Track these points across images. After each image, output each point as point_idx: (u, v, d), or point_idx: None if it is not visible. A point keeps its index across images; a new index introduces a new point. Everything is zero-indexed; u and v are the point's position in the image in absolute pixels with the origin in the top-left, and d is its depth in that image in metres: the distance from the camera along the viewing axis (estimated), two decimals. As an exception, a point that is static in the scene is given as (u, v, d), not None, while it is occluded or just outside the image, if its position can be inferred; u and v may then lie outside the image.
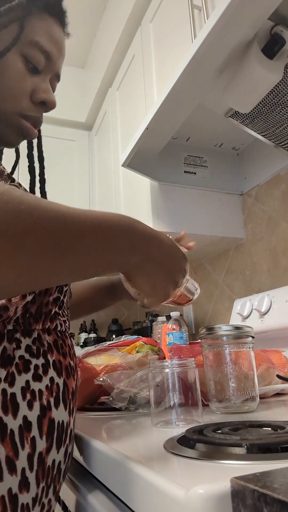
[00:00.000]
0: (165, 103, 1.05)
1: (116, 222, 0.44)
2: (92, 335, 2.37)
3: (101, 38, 2.13)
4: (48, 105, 0.62)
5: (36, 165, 0.75)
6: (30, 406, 0.48)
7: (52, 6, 0.61)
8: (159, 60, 1.50)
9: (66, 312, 0.60)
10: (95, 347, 1.10)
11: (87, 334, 2.42)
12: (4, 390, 0.47)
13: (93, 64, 2.27)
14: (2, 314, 0.50)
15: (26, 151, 0.75)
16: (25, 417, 0.48)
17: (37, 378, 0.50)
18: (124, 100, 1.89)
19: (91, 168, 2.33)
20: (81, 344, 2.23)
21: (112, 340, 1.10)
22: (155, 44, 1.54)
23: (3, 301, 0.50)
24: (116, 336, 2.06)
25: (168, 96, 1.01)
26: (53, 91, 0.65)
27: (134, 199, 1.63)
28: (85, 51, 2.34)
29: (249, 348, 0.70)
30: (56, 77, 0.65)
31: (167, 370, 0.59)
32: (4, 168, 0.55)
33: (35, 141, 0.73)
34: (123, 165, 1.32)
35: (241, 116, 1.03)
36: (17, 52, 0.57)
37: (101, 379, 0.76)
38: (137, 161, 1.32)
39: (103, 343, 1.13)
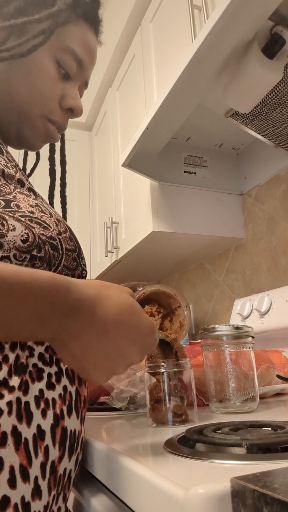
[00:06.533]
0: (165, 103, 1.04)
1: (41, 285, 0.38)
2: (92, 335, 2.37)
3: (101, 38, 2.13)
4: (75, 112, 0.63)
5: (57, 168, 0.75)
6: (44, 414, 0.48)
7: (90, 14, 0.61)
8: (159, 60, 1.50)
9: None
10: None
11: (87, 334, 2.42)
12: (18, 399, 0.47)
13: (93, 64, 2.27)
14: None
15: (48, 154, 0.75)
16: (39, 426, 0.47)
17: (50, 386, 0.50)
18: (124, 100, 1.89)
19: (91, 168, 2.33)
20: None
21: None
22: (155, 44, 1.54)
23: None
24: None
25: (168, 96, 1.01)
26: (81, 97, 0.66)
27: (134, 199, 1.63)
28: (85, 51, 2.34)
29: (249, 348, 0.70)
30: (85, 85, 0.65)
31: (162, 371, 0.59)
32: (16, 172, 0.55)
33: (57, 144, 0.73)
34: (123, 165, 1.32)
35: (241, 116, 1.03)
36: (51, 56, 0.58)
37: (101, 379, 0.76)
38: (137, 161, 1.32)
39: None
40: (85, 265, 0.58)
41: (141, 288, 0.69)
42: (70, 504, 0.60)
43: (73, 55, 0.59)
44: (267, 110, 0.99)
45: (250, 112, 1.00)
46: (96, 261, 2.09)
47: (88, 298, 0.41)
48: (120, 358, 0.42)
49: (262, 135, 1.10)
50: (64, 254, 0.53)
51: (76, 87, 0.63)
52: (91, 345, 0.40)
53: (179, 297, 0.68)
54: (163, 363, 0.59)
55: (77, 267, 0.56)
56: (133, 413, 0.74)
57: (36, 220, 0.50)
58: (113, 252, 1.80)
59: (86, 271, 0.58)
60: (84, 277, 0.58)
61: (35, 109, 0.59)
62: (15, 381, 0.47)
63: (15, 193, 0.52)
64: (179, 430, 0.49)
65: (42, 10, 0.56)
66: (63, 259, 0.53)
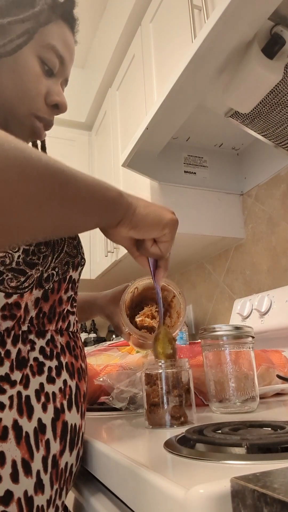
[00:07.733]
0: (165, 103, 1.04)
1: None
2: (92, 335, 2.37)
3: (101, 38, 2.13)
4: (60, 107, 0.64)
5: None
6: (44, 408, 0.49)
7: (67, 13, 0.63)
8: (159, 60, 1.50)
9: (76, 311, 0.61)
10: (95, 347, 1.10)
11: (87, 334, 2.42)
12: (19, 393, 0.47)
13: (93, 64, 2.27)
14: (15, 313, 0.50)
15: None
16: (39, 420, 0.48)
17: (50, 380, 0.50)
18: (124, 100, 1.89)
19: (91, 168, 2.33)
20: (81, 344, 2.23)
21: (112, 340, 1.10)
22: (155, 44, 1.54)
23: (15, 297, 0.50)
24: (116, 336, 2.06)
25: (168, 96, 1.01)
26: None
27: (134, 199, 1.63)
28: (84, 51, 2.34)
29: (249, 348, 0.70)
30: (65, 82, 0.67)
31: (160, 371, 0.59)
32: None
33: (38, 143, 0.74)
34: (123, 165, 1.32)
35: (241, 116, 1.03)
36: (34, 54, 0.59)
37: (101, 379, 0.76)
38: (137, 161, 1.32)
39: (103, 343, 1.13)
40: (83, 254, 0.60)
41: (132, 283, 0.68)
42: (70, 504, 0.60)
43: (55, 52, 0.60)
44: (267, 110, 0.99)
45: (250, 112, 1.00)
46: (96, 261, 2.09)
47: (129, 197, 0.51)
48: (161, 216, 0.53)
49: (262, 135, 1.10)
50: (66, 241, 0.56)
51: (59, 84, 0.64)
52: (144, 214, 0.51)
53: (172, 286, 0.68)
54: (160, 364, 0.59)
55: (77, 255, 0.58)
56: (133, 413, 0.74)
57: None
58: (113, 252, 1.80)
59: (84, 259, 0.60)
60: (83, 265, 0.60)
61: (23, 108, 0.60)
62: (16, 375, 0.48)
63: None
64: (179, 430, 0.49)
65: (25, 10, 0.57)
66: (65, 245, 0.56)
